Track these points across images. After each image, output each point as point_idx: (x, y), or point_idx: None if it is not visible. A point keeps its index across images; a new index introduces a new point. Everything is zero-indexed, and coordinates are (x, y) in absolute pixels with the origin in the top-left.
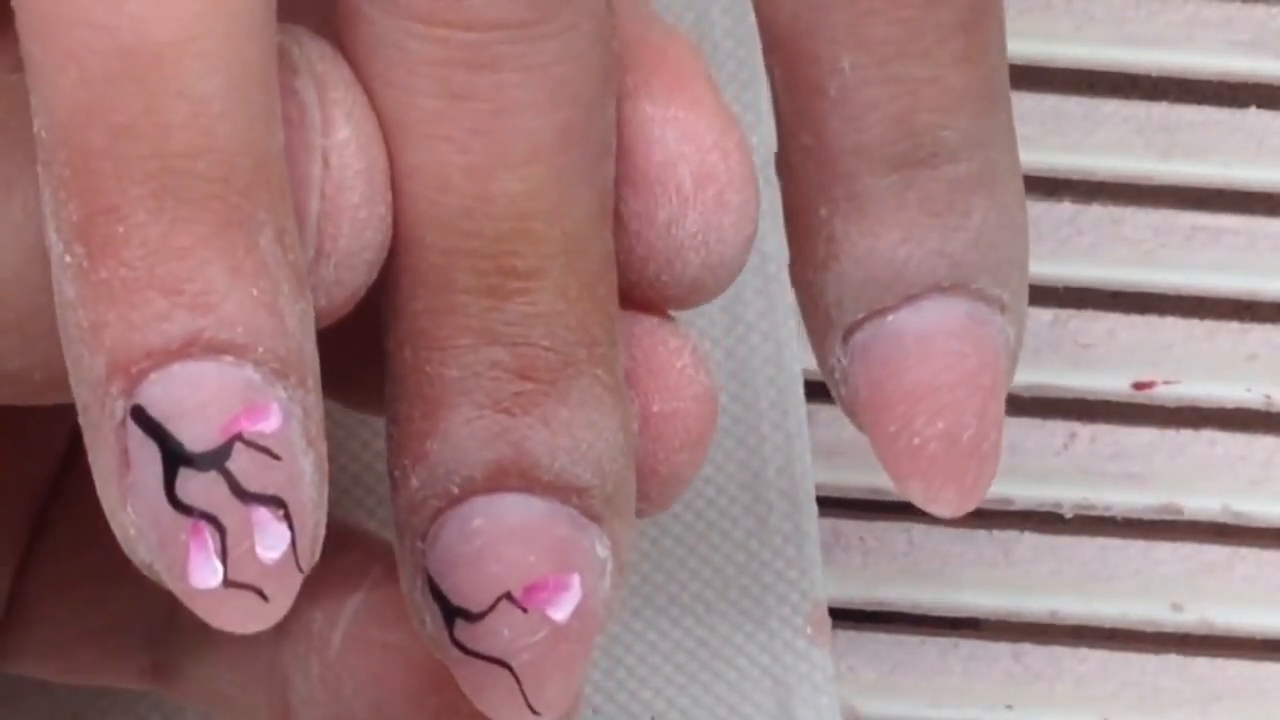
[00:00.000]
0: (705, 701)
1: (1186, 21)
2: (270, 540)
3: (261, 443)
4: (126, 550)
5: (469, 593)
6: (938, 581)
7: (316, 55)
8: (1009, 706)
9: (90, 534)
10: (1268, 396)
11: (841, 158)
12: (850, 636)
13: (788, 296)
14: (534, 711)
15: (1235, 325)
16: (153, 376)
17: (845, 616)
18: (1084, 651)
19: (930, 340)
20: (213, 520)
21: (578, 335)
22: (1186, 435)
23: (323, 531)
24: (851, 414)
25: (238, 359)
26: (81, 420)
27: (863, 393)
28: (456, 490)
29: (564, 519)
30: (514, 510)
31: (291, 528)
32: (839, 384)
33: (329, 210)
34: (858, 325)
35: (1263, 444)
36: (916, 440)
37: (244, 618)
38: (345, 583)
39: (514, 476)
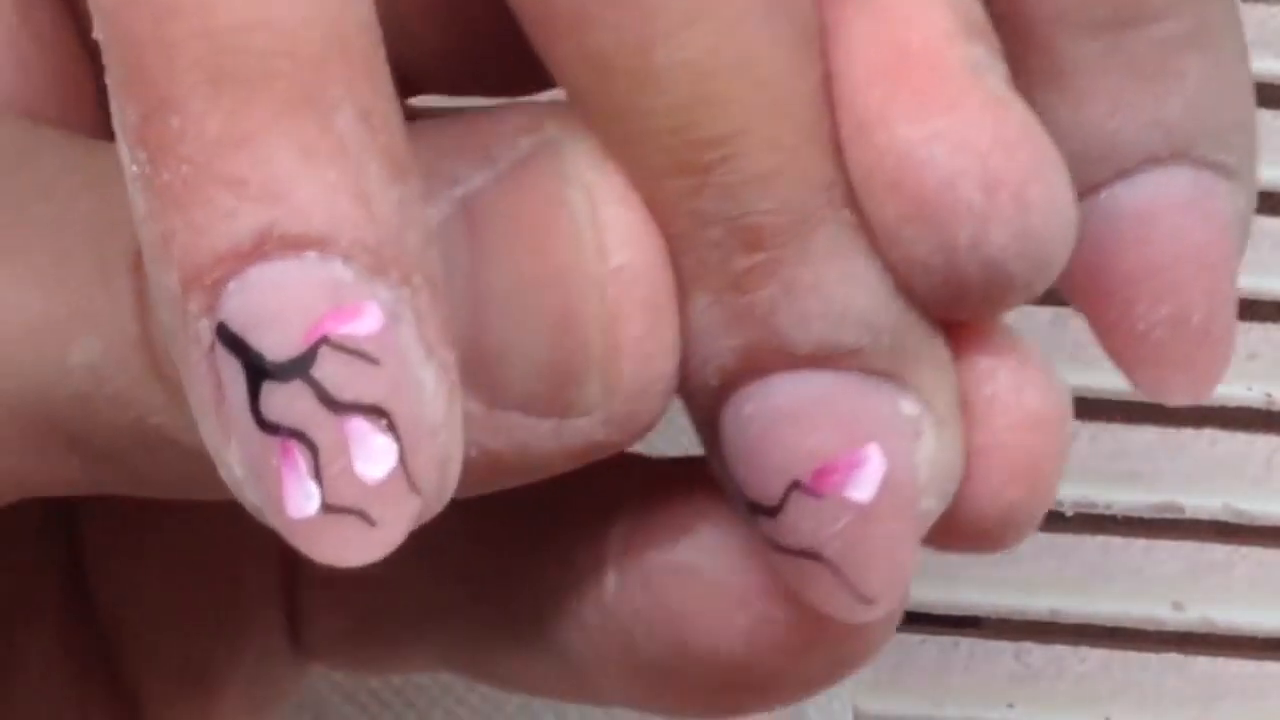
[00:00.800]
0: None
1: None
2: (373, 455)
3: (354, 346)
4: (238, 495)
5: (757, 487)
6: (939, 580)
7: (586, 161)
8: (1010, 705)
9: None
10: (1268, 396)
11: (1038, 25)
12: None
13: None
14: (865, 600)
15: (1236, 325)
16: (231, 286)
17: None
18: (1085, 650)
19: (1148, 217)
20: (303, 437)
21: (804, 185)
22: (1187, 434)
23: (458, 454)
24: (1068, 296)
25: (322, 254)
26: (172, 351)
27: (1077, 276)
28: (715, 382)
29: (844, 387)
30: (781, 391)
31: (400, 441)
32: None
33: (610, 344)
34: None
35: (1263, 443)
36: (1140, 326)
37: (349, 547)
38: (602, 517)
39: (769, 358)
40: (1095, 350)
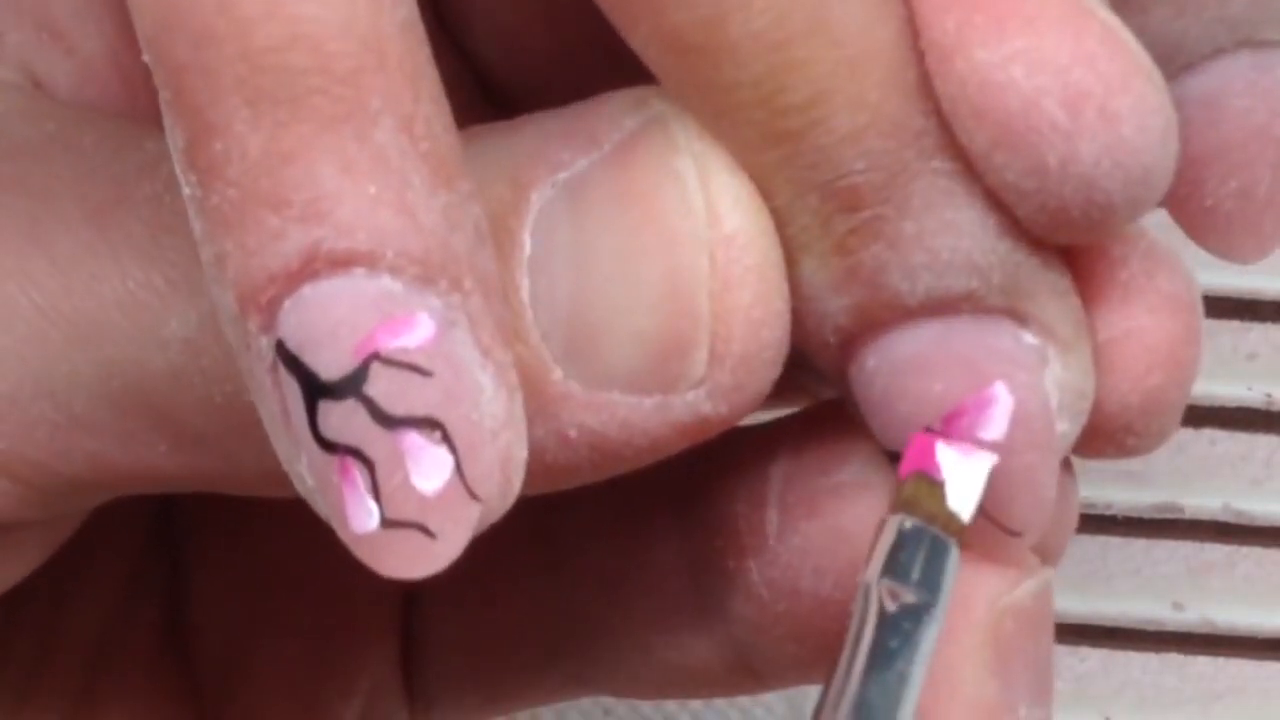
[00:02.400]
0: (717, 702)
1: None
2: (428, 468)
3: (405, 359)
4: (312, 505)
5: (891, 438)
6: None
7: (695, 131)
8: None
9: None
10: (1268, 395)
11: None
12: None
13: None
14: (1011, 533)
15: (1235, 324)
16: (287, 305)
17: None
18: (1085, 650)
19: (1215, 102)
20: (359, 454)
21: (895, 138)
22: (1187, 434)
23: (519, 453)
24: None
25: (370, 269)
26: (241, 370)
27: None
28: (833, 340)
29: (960, 331)
30: (899, 344)
31: (455, 451)
32: None
33: (719, 312)
34: None
35: (1263, 443)
36: (1209, 202)
37: (411, 561)
38: (756, 466)
39: (882, 313)
40: None
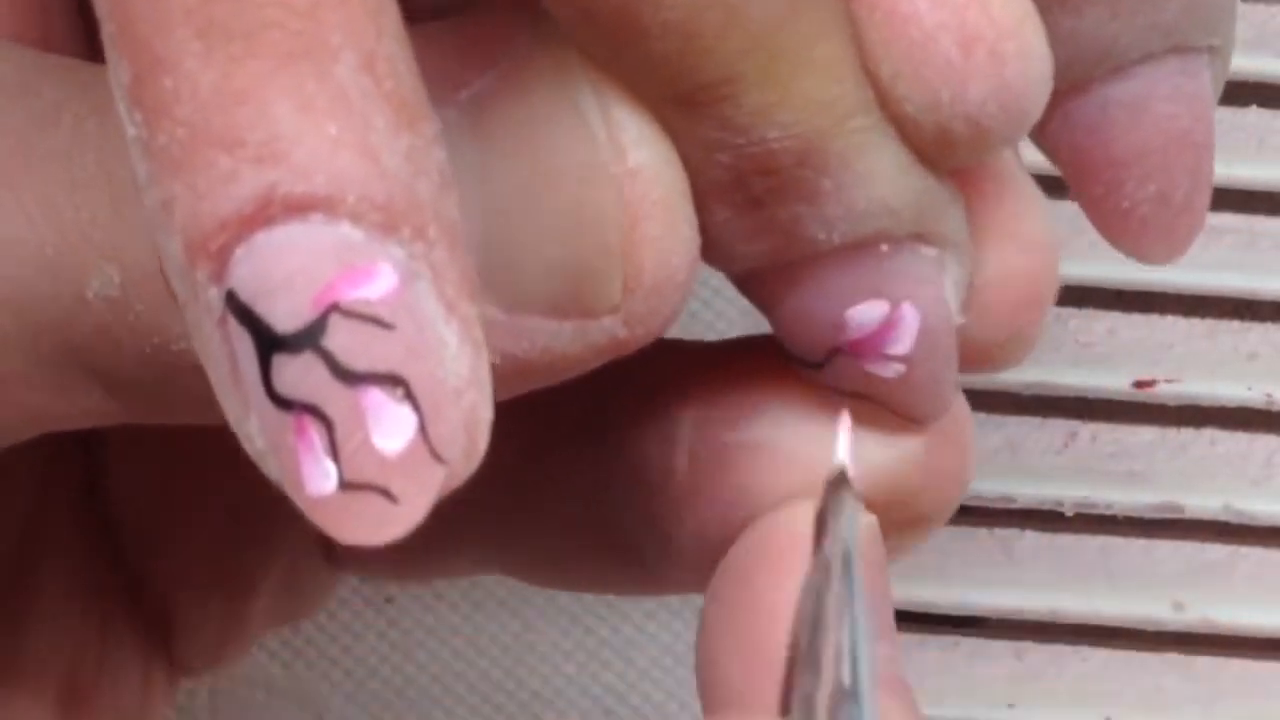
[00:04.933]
0: None
1: None
2: (389, 427)
3: (366, 311)
4: (262, 468)
5: (803, 353)
6: (939, 580)
7: (594, 68)
8: (1010, 705)
9: None
10: (1268, 395)
11: None
12: None
13: None
14: (919, 421)
15: (1236, 324)
16: (238, 253)
17: None
18: (1085, 650)
19: (1140, 105)
20: (316, 412)
21: (805, 109)
22: (1187, 434)
23: (485, 414)
24: (1055, 163)
25: (328, 215)
26: (187, 322)
27: (1065, 155)
28: (748, 277)
29: (868, 261)
30: (810, 276)
31: (419, 410)
32: (1038, 138)
33: (629, 246)
34: (1060, 95)
35: (1263, 443)
36: (1126, 204)
37: (371, 526)
38: (671, 397)
39: (796, 254)
40: (1096, 349)
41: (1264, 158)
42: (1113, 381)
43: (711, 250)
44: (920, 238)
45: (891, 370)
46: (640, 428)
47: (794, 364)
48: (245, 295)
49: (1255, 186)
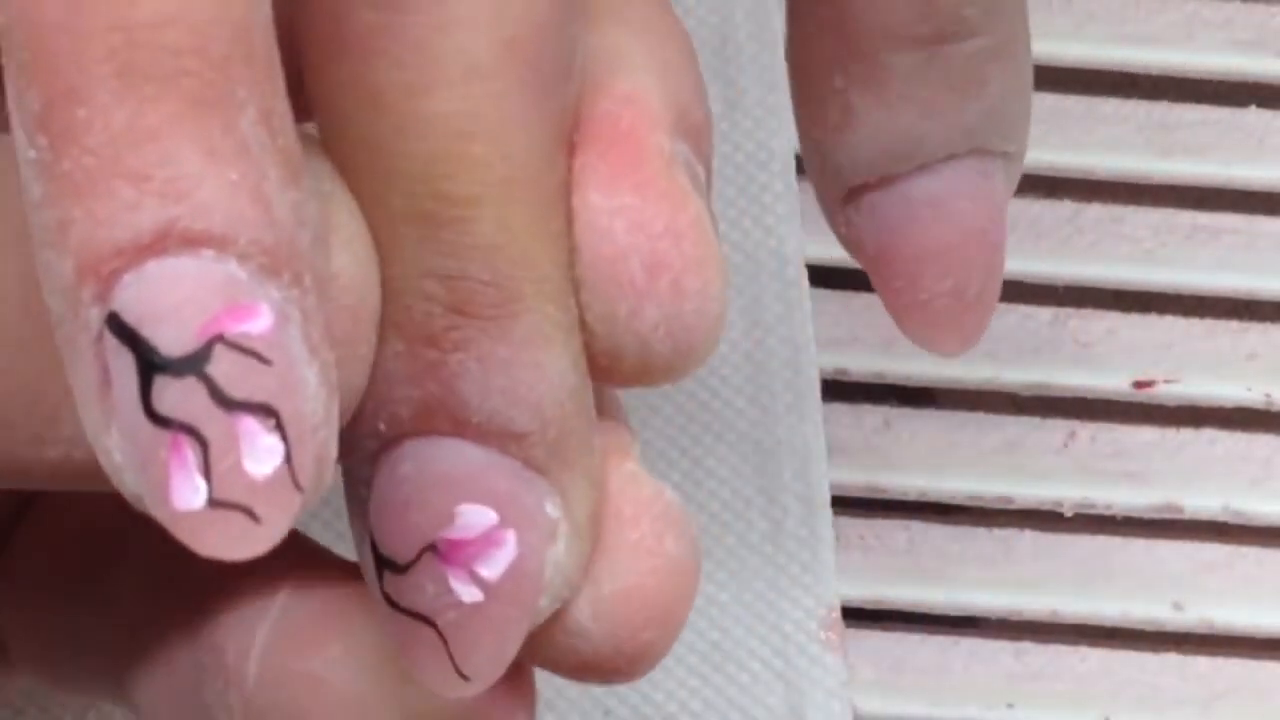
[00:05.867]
0: (718, 705)
1: (1186, 20)
2: (260, 453)
3: (247, 345)
4: (115, 482)
5: (393, 542)
6: (938, 580)
7: (328, 171)
8: (1010, 705)
9: (54, 548)
10: (1268, 395)
11: (863, 35)
12: (850, 635)
13: (806, 302)
14: (462, 676)
15: (1235, 324)
16: (126, 279)
17: (845, 615)
18: (1084, 650)
19: (941, 204)
20: (193, 433)
21: (522, 270)
22: (1187, 434)
23: (333, 453)
24: (855, 257)
25: (219, 253)
26: (57, 336)
27: (869, 249)
28: (384, 428)
29: (503, 470)
30: (445, 456)
31: (286, 440)
32: (842, 227)
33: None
34: (867, 188)
35: (1263, 443)
36: (924, 296)
37: (233, 542)
38: (251, 610)
39: (442, 418)
40: (1095, 349)
41: (1264, 158)
42: (1112, 381)
43: (367, 391)
44: (552, 482)
45: (469, 595)
46: (227, 621)
47: (372, 574)
48: (130, 318)
49: (1255, 187)
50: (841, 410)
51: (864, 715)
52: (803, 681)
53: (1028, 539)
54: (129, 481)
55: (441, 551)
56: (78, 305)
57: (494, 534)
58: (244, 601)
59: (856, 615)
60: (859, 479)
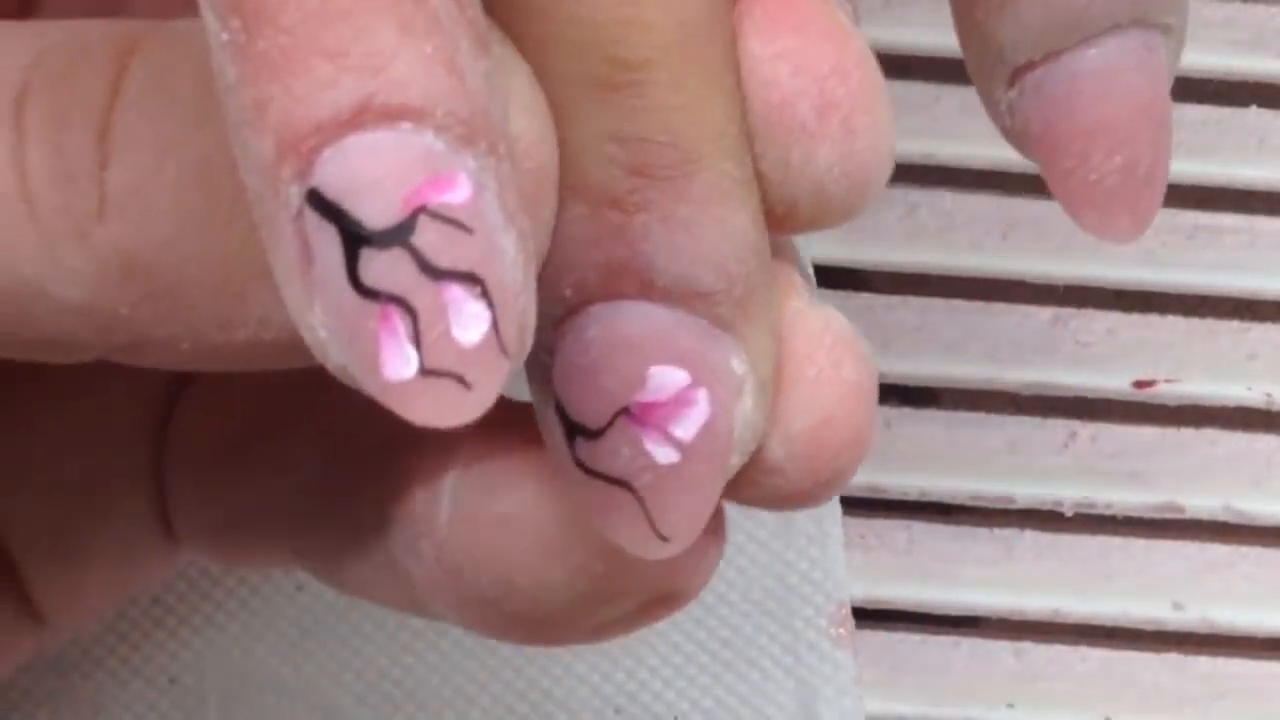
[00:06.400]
0: (728, 703)
1: None
2: (468, 321)
3: (450, 215)
4: (319, 356)
5: (585, 408)
6: (938, 580)
7: (498, 38)
8: (1010, 705)
9: (223, 417)
10: (1268, 395)
11: None
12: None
13: None
14: (660, 538)
15: (1236, 324)
16: (326, 154)
17: None
18: (1085, 650)
19: (1108, 78)
20: (402, 303)
21: (699, 128)
22: (1187, 434)
23: (532, 320)
24: (1019, 146)
25: (417, 125)
26: (255, 215)
27: (1034, 128)
28: (569, 294)
29: (690, 329)
30: (632, 319)
31: (492, 307)
32: (1005, 116)
33: None
34: (1032, 66)
35: (1264, 443)
36: (1093, 176)
37: (445, 410)
38: (437, 459)
39: (628, 280)
40: (1096, 349)
41: (1264, 158)
42: (1113, 381)
43: (550, 257)
44: (737, 339)
45: (664, 456)
46: (414, 476)
47: (560, 439)
48: (331, 193)
49: (1255, 186)
50: None
51: (864, 715)
52: (814, 678)
53: (1028, 539)
54: (334, 355)
55: (634, 414)
56: (277, 183)
57: (686, 394)
58: (429, 452)
59: (857, 615)
60: (860, 479)
